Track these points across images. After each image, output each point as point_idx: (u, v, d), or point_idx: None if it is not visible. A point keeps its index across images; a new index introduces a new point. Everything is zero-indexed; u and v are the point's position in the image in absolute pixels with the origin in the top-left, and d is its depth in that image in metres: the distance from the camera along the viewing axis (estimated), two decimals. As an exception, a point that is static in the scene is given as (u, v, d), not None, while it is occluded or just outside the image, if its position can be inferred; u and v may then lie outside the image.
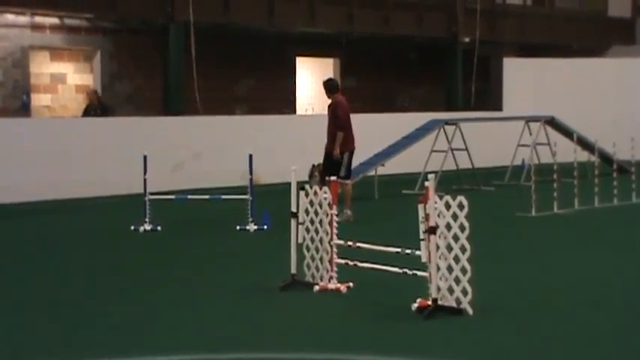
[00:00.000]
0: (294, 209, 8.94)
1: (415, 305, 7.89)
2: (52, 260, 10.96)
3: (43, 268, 10.42)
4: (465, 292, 7.73)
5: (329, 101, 14.13)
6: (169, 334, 7.42)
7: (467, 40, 27.10)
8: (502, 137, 21.15)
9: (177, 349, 6.98)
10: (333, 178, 9.44)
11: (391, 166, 17.83)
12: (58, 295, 8.97)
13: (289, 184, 8.95)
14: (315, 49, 26.77)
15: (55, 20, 21.69)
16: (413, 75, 29.02)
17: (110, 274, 9.99)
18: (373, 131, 19.28)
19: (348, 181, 13.96)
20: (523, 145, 19.90)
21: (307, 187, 9.07)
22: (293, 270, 8.92)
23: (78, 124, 18.66)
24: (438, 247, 7.74)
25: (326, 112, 14.26)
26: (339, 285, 8.77)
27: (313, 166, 14.39)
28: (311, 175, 14.19)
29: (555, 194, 14.36)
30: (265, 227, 12.84)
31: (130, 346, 7.06)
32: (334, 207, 8.81)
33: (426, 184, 7.77)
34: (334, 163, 13.70)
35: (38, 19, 21.47)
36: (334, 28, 24.81)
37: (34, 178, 16.58)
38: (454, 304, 7.79)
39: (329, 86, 14.11)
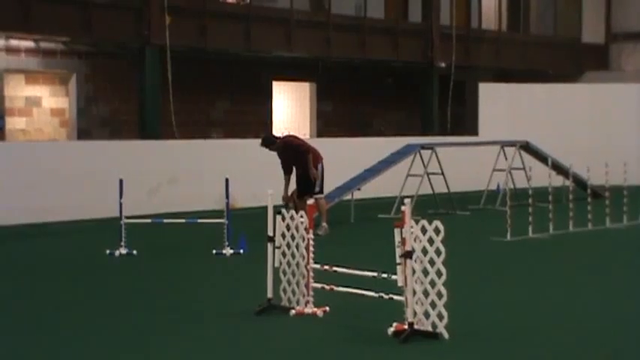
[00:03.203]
0: (270, 233, 8.93)
1: (391, 329, 7.88)
2: (25, 285, 10.86)
3: (16, 293, 10.33)
4: (440, 317, 7.73)
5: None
6: (145, 359, 7.37)
7: (443, 65, 27.25)
8: (478, 162, 21.22)
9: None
10: (310, 201, 9.48)
11: (367, 191, 17.84)
12: (28, 319, 8.89)
13: (265, 207, 8.95)
14: (292, 73, 26.84)
15: (30, 43, 21.62)
16: (389, 99, 29.14)
17: (84, 299, 9.92)
18: (349, 155, 19.34)
19: (322, 195, 14.70)
20: (498, 170, 19.98)
21: (284, 210, 9.07)
22: (269, 294, 8.89)
23: (53, 148, 18.56)
24: (414, 272, 7.75)
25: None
26: (315, 309, 8.75)
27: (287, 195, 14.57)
28: (286, 205, 14.20)
29: (530, 219, 14.42)
30: (241, 251, 12.80)
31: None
32: (311, 231, 8.80)
33: (402, 208, 7.79)
34: (309, 183, 14.39)
35: (13, 43, 21.39)
36: (311, 52, 24.88)
37: (8, 202, 16.44)
38: (430, 329, 7.79)
39: (266, 142, 14.75)
